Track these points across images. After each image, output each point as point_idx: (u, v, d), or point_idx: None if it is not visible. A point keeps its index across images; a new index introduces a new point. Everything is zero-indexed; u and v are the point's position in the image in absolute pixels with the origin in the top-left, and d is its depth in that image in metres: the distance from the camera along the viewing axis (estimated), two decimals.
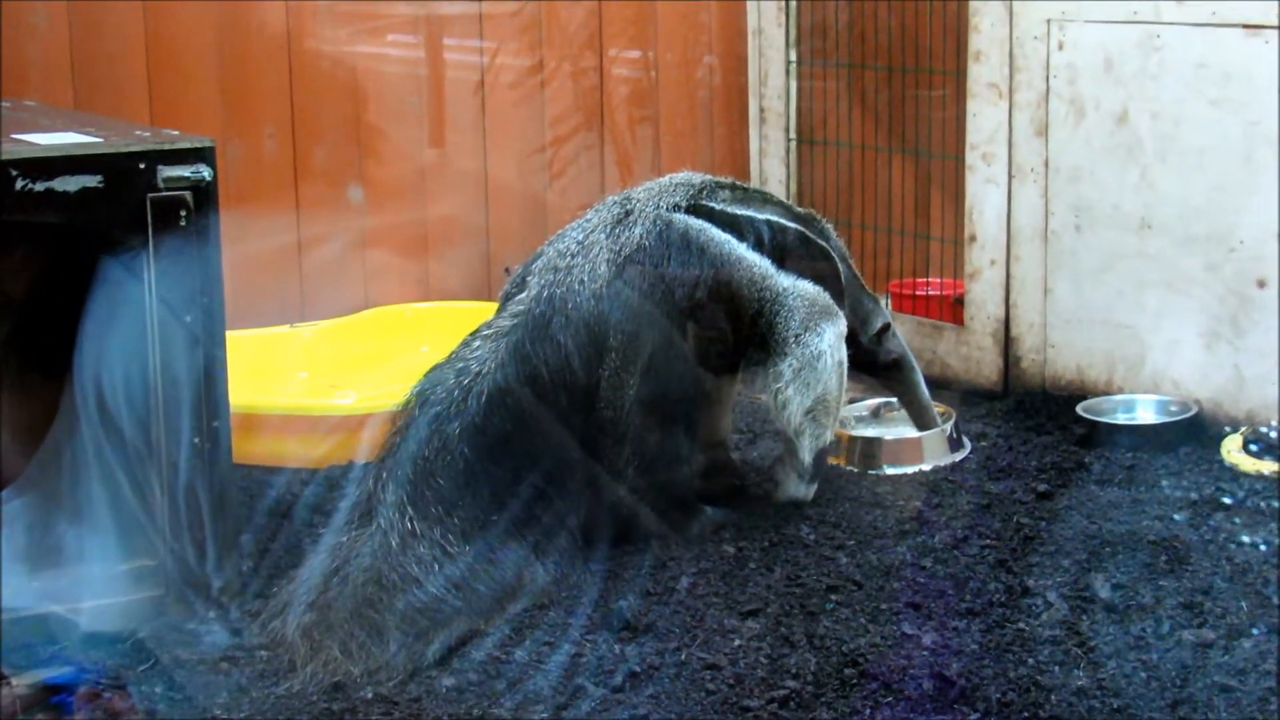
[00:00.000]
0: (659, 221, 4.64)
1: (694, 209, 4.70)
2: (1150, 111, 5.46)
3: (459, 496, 4.32)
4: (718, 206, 4.74)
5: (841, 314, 4.87)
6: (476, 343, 4.56)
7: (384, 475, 4.32)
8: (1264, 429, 5.20)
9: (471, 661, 3.98)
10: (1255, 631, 4.02)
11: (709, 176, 4.88)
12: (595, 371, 4.53)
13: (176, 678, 3.91)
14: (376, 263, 6.46)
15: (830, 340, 4.79)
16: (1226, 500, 4.86)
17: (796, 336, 4.75)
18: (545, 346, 4.49)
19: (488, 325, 4.62)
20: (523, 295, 4.61)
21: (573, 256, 4.60)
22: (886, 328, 5.15)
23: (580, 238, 4.66)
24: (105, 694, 3.88)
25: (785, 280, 4.75)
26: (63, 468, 4.32)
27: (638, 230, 4.62)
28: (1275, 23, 5.12)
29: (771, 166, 6.77)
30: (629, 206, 4.70)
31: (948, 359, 6.15)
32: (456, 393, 4.43)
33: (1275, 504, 4.81)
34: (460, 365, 4.51)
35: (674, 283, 4.59)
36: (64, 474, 4.32)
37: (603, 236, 4.62)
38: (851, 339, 4.96)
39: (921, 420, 5.34)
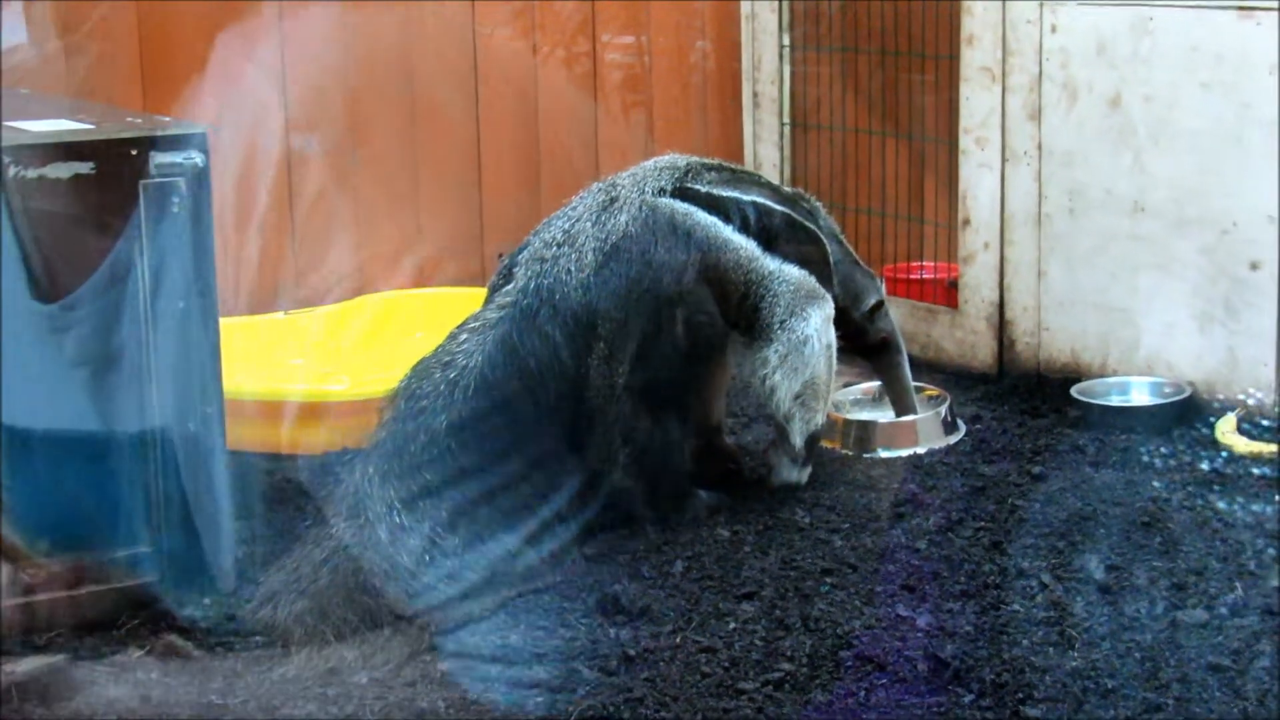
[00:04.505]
0: (644, 207, 4.62)
1: (679, 192, 4.69)
2: (1143, 95, 5.46)
3: (447, 489, 4.30)
4: (703, 189, 4.72)
5: (829, 296, 4.86)
6: (463, 336, 4.54)
7: (370, 470, 4.30)
8: (1251, 400, 5.22)
9: (467, 646, 3.99)
10: (1248, 611, 4.03)
11: (694, 158, 4.86)
12: (585, 361, 4.51)
13: (170, 664, 3.91)
14: (370, 249, 6.46)
15: (817, 324, 4.77)
16: (1220, 482, 4.87)
17: (782, 322, 4.73)
18: (533, 338, 4.48)
19: (474, 318, 4.60)
20: (509, 287, 4.58)
21: (559, 246, 4.58)
22: (880, 305, 5.13)
23: (566, 226, 4.64)
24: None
25: (771, 263, 4.73)
26: None
27: (623, 217, 4.60)
28: (1268, 4, 5.11)
29: (766, 151, 6.76)
30: (614, 193, 4.68)
31: (942, 342, 6.15)
32: (443, 386, 4.41)
33: (1269, 485, 4.82)
34: (447, 359, 4.49)
35: (661, 268, 4.57)
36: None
37: (589, 225, 4.60)
38: (843, 316, 4.95)
39: (900, 404, 5.34)
